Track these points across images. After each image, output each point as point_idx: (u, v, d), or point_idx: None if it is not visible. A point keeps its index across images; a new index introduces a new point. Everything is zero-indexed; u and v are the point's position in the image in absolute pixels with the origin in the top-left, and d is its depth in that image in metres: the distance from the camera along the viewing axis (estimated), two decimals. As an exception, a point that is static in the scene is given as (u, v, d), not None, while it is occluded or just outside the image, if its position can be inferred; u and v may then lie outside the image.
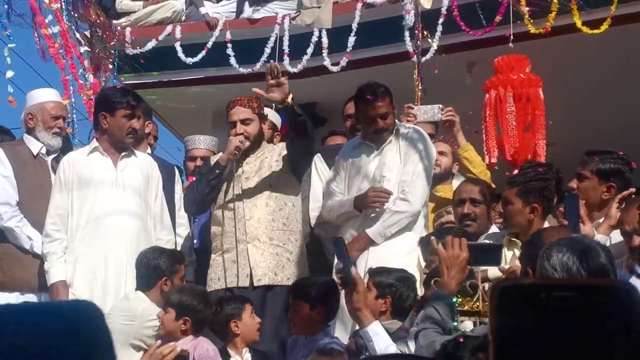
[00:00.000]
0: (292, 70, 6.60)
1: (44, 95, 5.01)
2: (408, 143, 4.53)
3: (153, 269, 4.16)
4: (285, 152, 4.64)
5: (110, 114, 4.56)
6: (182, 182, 5.21)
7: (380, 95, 4.45)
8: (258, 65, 6.70)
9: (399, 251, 4.30)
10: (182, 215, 4.94)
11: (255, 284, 4.39)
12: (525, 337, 0.85)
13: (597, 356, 0.84)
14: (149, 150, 5.18)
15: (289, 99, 4.30)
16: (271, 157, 4.65)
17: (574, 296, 0.85)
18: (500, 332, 0.86)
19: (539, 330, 0.84)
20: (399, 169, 4.47)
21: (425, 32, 6.14)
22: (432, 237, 3.19)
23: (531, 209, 3.85)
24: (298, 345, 3.92)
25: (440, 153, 4.75)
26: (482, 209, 4.38)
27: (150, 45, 6.95)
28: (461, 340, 2.37)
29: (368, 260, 4.25)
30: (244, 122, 4.58)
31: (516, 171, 4.11)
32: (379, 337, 2.53)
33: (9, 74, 6.10)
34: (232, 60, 6.83)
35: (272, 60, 4.42)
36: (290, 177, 4.64)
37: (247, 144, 4.54)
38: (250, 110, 4.61)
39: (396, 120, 4.64)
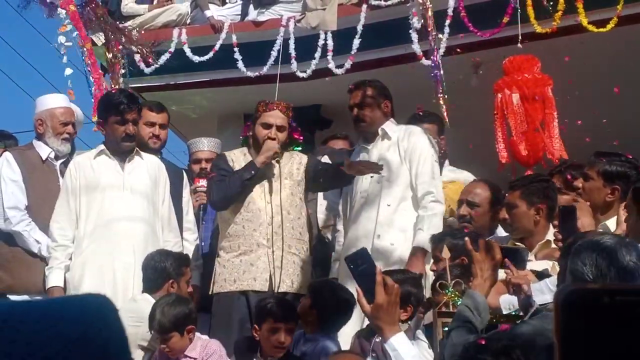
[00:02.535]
0: (300, 75, 6.62)
1: (53, 101, 5.04)
2: (408, 143, 4.56)
3: (160, 272, 4.18)
4: (304, 160, 4.64)
5: (104, 121, 4.65)
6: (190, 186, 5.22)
7: (360, 85, 4.56)
8: (265, 69, 6.71)
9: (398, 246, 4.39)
10: (189, 220, 4.95)
11: (276, 290, 4.35)
12: (590, 342, 0.84)
13: None
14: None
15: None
16: (291, 165, 4.62)
17: (639, 301, 0.84)
18: (565, 337, 0.86)
19: (604, 335, 0.84)
20: (399, 168, 4.51)
21: (437, 34, 6.13)
22: (467, 238, 3.20)
23: (536, 210, 3.87)
24: (299, 342, 3.91)
25: None
26: (480, 212, 4.37)
27: (164, 58, 6.95)
28: (483, 342, 2.36)
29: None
30: (279, 128, 4.56)
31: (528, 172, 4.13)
32: (397, 354, 2.49)
33: (68, 71, 6.15)
34: (240, 64, 6.83)
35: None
36: (305, 188, 4.64)
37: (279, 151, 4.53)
38: (286, 119, 4.60)
39: (392, 120, 4.67)
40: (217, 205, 4.72)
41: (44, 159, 4.88)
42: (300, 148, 4.79)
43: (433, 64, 5.86)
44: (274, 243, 4.42)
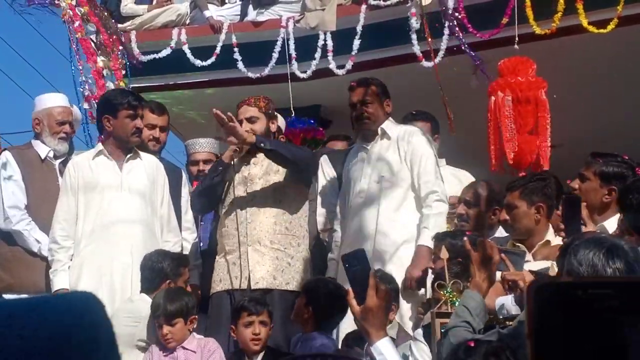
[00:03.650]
0: (300, 75, 6.62)
1: (51, 100, 5.03)
2: (408, 144, 4.55)
3: (157, 272, 4.19)
4: None
5: (112, 116, 4.63)
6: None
7: (362, 83, 4.57)
8: (267, 70, 6.73)
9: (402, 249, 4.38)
10: (188, 219, 4.95)
11: (252, 287, 4.38)
12: (564, 336, 0.84)
13: (637, 357, 0.82)
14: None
15: (250, 139, 4.38)
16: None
17: (612, 294, 0.83)
18: (538, 331, 0.85)
19: (577, 329, 0.83)
20: (400, 169, 4.50)
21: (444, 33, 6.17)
22: (465, 239, 3.21)
23: (537, 209, 3.86)
24: (298, 343, 3.93)
25: None
26: (475, 212, 4.39)
27: (165, 53, 6.98)
28: (472, 344, 2.36)
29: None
30: (249, 120, 4.59)
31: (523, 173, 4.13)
32: (383, 358, 2.49)
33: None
34: (240, 65, 6.85)
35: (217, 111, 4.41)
36: (297, 182, 4.64)
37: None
38: (257, 109, 4.63)
39: (391, 119, 4.67)
40: (196, 209, 4.80)
41: (42, 158, 4.88)
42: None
43: (473, 55, 5.94)
44: (255, 240, 4.45)
